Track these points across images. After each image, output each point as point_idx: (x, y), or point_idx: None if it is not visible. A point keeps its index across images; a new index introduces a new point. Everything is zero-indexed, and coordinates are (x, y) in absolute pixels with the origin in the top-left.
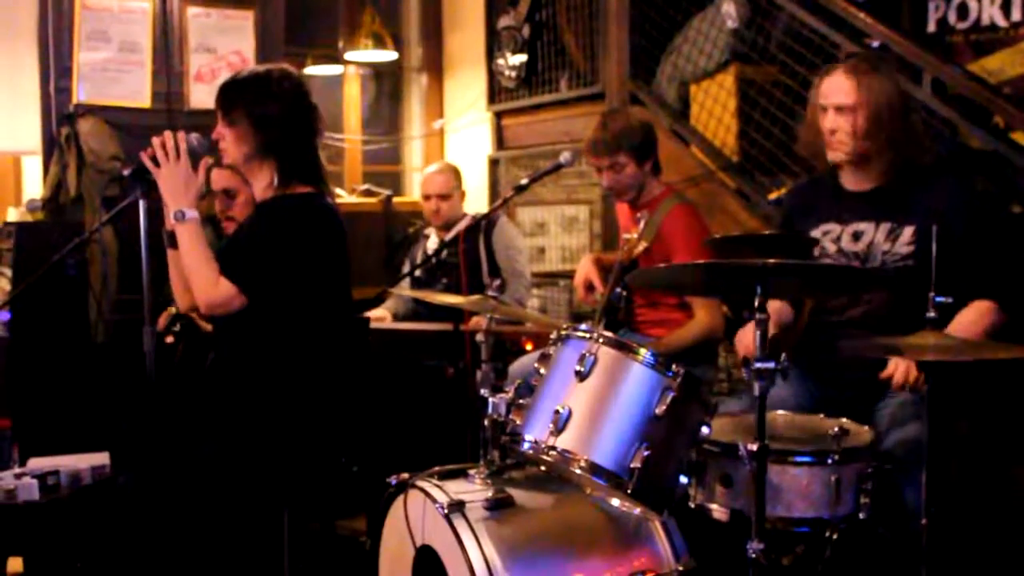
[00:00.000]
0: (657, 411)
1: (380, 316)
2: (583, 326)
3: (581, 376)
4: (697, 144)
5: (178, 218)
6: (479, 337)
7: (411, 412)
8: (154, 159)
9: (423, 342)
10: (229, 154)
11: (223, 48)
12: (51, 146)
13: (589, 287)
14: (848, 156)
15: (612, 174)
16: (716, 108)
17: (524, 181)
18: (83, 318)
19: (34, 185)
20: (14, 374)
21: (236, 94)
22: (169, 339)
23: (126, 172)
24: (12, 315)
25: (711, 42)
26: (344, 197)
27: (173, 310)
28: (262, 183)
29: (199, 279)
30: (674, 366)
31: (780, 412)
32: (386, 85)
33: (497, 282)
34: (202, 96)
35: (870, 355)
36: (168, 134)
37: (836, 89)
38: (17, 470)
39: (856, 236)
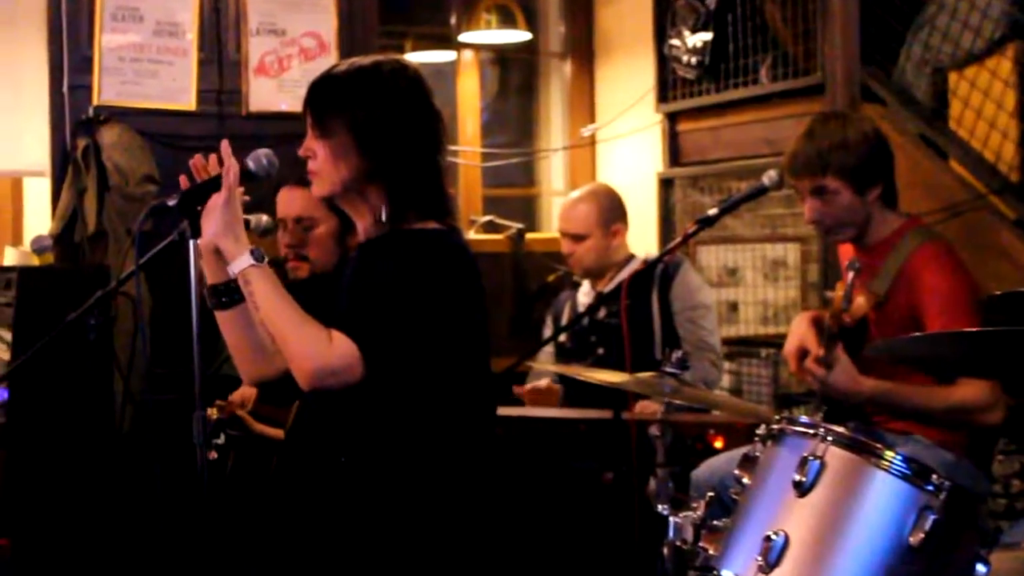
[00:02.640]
0: (911, 540)
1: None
2: (803, 418)
3: (802, 489)
4: (959, 157)
5: (257, 258)
6: (652, 430)
7: (555, 532)
8: (208, 184)
9: (571, 435)
10: (322, 177)
11: (294, 29)
12: (63, 164)
13: (805, 357)
14: None
15: (816, 202)
16: (987, 106)
17: (712, 211)
18: (106, 398)
19: (40, 217)
20: (13, 475)
21: (334, 95)
22: (212, 455)
23: (171, 202)
24: (11, 394)
25: (979, 12)
26: None
27: (215, 413)
28: (367, 217)
29: (301, 339)
30: (935, 476)
31: None
32: (515, 77)
33: (677, 353)
34: (265, 94)
35: None
36: (226, 145)
37: None
38: None
39: None
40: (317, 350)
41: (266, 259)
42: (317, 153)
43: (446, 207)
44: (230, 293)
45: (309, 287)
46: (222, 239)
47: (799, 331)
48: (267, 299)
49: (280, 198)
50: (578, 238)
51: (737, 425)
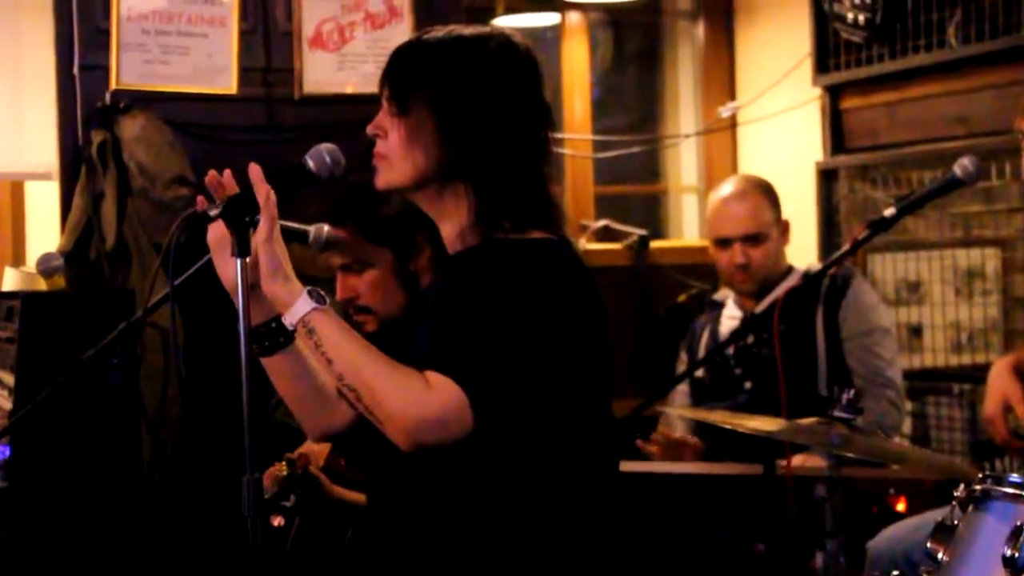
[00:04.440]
0: None
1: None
2: (1013, 476)
3: (1015, 567)
4: None
5: (318, 301)
6: (817, 491)
7: None
8: (232, 203)
9: (713, 496)
10: (389, 163)
11: None
12: (74, 164)
13: (1009, 412)
14: None
15: None
16: None
17: (889, 211)
18: (131, 454)
19: (47, 230)
20: (15, 553)
21: (421, 65)
22: (277, 520)
23: (213, 211)
24: (13, 452)
25: None
26: None
27: (284, 469)
28: (447, 222)
29: (394, 388)
30: None
31: None
32: (635, 44)
33: (848, 393)
34: (323, 72)
35: None
36: (257, 170)
37: None
38: None
39: None
40: (415, 399)
41: (328, 299)
42: (388, 133)
43: (552, 214)
44: (273, 335)
45: (380, 340)
46: (270, 284)
47: (1000, 383)
48: (340, 347)
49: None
50: (756, 240)
51: (925, 483)
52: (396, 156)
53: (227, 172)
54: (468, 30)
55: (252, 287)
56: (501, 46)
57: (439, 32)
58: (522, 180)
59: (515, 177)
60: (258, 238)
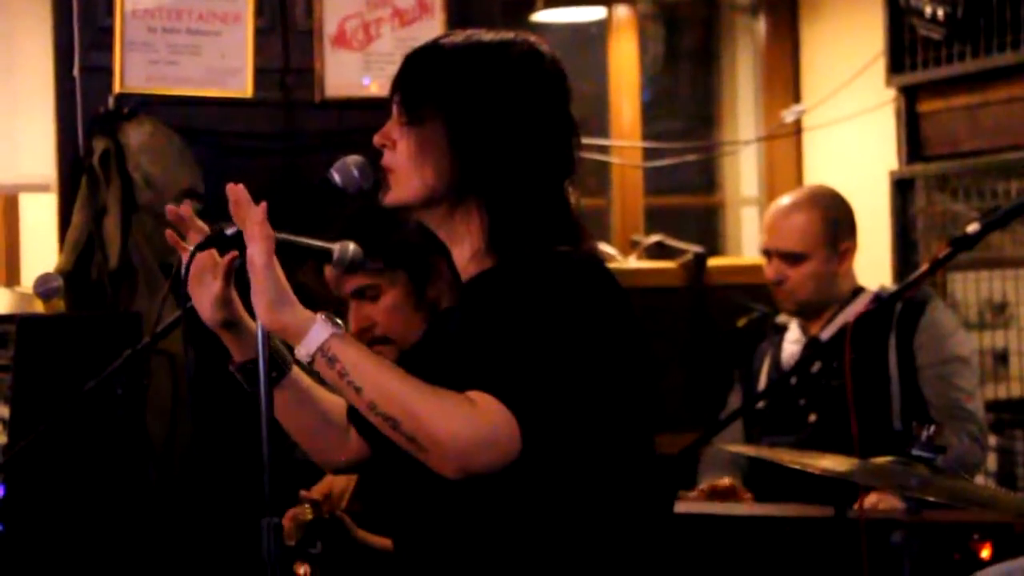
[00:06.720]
0: None
1: None
2: None
3: None
4: None
5: (336, 331)
6: (893, 537)
7: None
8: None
9: (776, 542)
10: (397, 176)
11: None
12: (74, 176)
13: None
14: None
15: None
16: None
17: (972, 227)
18: (138, 493)
19: (44, 247)
20: None
21: (436, 72)
22: (303, 569)
23: (230, 231)
24: (7, 492)
25: None
26: (616, 259)
27: (308, 513)
28: (464, 245)
29: (437, 411)
30: None
31: None
32: (688, 40)
33: (928, 430)
34: (347, 73)
35: None
36: (239, 189)
37: None
38: None
39: None
40: (463, 419)
41: (342, 324)
42: (397, 144)
43: (577, 234)
44: (279, 365)
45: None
46: (275, 313)
47: None
48: (368, 373)
49: (329, 273)
50: (793, 258)
51: (1015, 527)
52: (404, 170)
53: (186, 203)
54: (489, 36)
55: (231, 324)
56: (524, 55)
57: (458, 37)
58: (542, 200)
59: (534, 197)
60: (254, 263)
